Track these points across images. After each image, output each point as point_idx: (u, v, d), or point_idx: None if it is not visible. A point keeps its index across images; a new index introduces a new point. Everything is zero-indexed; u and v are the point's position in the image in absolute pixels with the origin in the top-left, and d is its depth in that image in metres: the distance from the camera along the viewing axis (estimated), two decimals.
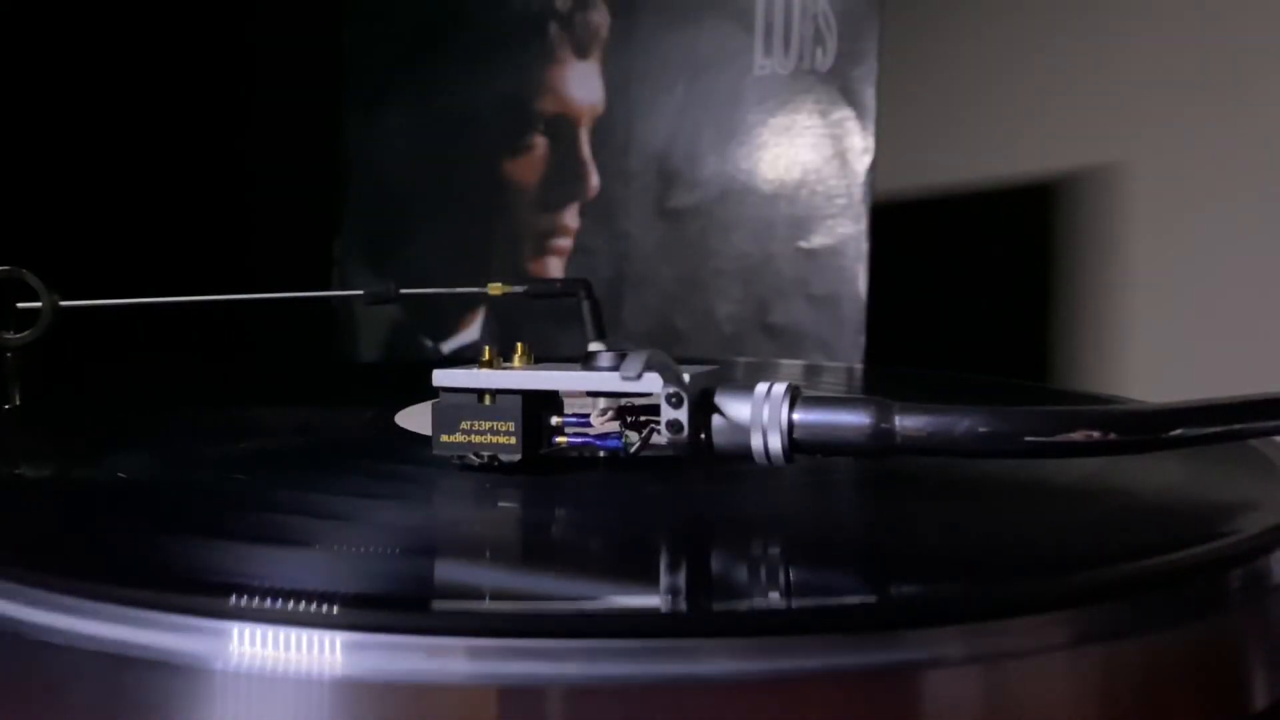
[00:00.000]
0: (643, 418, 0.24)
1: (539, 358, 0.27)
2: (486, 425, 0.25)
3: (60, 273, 0.37)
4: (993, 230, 0.78)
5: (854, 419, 0.22)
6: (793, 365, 0.57)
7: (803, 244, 0.61)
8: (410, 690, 0.16)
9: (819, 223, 0.61)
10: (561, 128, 0.67)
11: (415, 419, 0.34)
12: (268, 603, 0.17)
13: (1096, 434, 0.20)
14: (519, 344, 0.27)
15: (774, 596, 0.18)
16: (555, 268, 0.67)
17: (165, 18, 0.76)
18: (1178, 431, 0.20)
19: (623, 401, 0.25)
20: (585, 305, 0.46)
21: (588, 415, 0.25)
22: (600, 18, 0.66)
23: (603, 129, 0.66)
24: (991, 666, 0.17)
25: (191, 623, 0.17)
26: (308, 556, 0.20)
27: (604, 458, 0.28)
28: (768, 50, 0.62)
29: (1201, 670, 0.19)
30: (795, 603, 0.18)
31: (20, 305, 0.35)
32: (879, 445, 0.21)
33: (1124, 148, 0.69)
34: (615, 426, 0.25)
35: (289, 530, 0.22)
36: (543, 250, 0.67)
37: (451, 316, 0.69)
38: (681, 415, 0.23)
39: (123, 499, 0.25)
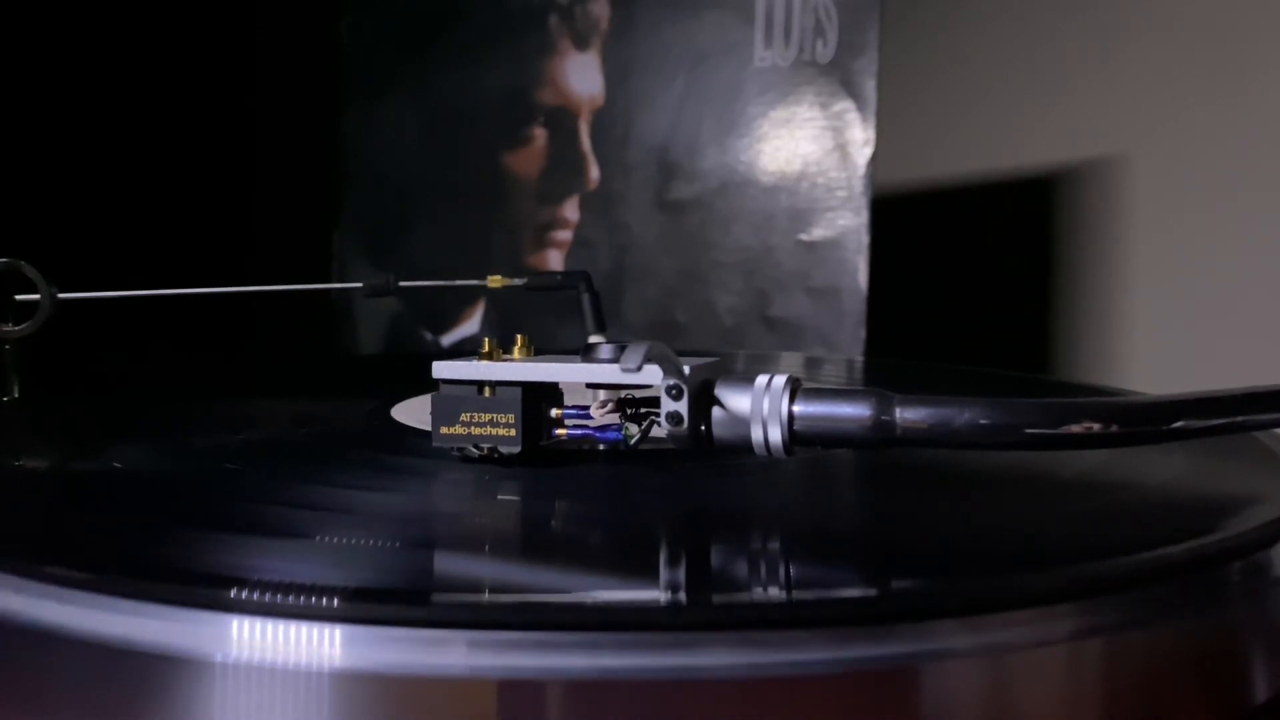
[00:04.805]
0: (643, 410, 0.24)
1: (539, 350, 0.27)
2: (486, 417, 0.25)
3: (59, 265, 0.36)
4: (993, 223, 0.78)
5: (854, 411, 0.21)
6: (793, 357, 0.57)
7: (803, 236, 0.61)
8: (410, 683, 0.16)
9: (819, 215, 0.61)
10: (561, 120, 0.66)
11: (413, 412, 0.34)
12: (267, 595, 0.17)
13: (1097, 426, 0.20)
14: (519, 336, 0.27)
15: (774, 590, 0.18)
16: (555, 260, 0.67)
17: (164, 10, 0.76)
18: (1179, 423, 0.20)
19: (623, 394, 0.25)
20: (585, 298, 0.46)
21: (588, 407, 0.25)
22: (600, 9, 0.65)
23: (602, 121, 0.66)
24: (992, 659, 0.17)
25: (190, 615, 0.17)
26: (307, 549, 0.20)
27: (604, 450, 0.28)
28: (768, 42, 0.62)
29: (1203, 663, 0.19)
30: (796, 595, 0.18)
31: (19, 297, 0.35)
32: (879, 437, 0.21)
33: (1124, 141, 0.69)
34: (615, 419, 0.25)
35: (288, 523, 0.22)
36: (542, 242, 0.67)
37: (451, 309, 0.69)
38: (681, 407, 0.23)
39: (121, 491, 0.25)
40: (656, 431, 0.24)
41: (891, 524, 0.23)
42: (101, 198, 0.72)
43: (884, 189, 0.62)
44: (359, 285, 0.46)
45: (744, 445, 0.23)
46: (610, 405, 0.25)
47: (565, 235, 0.66)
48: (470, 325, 0.69)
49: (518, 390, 0.25)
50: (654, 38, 0.64)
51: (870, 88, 0.60)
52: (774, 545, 0.21)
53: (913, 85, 0.79)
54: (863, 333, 0.59)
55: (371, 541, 0.20)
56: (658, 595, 0.18)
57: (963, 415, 0.21)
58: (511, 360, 0.26)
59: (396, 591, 0.18)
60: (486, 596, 0.18)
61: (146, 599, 0.17)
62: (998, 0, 0.77)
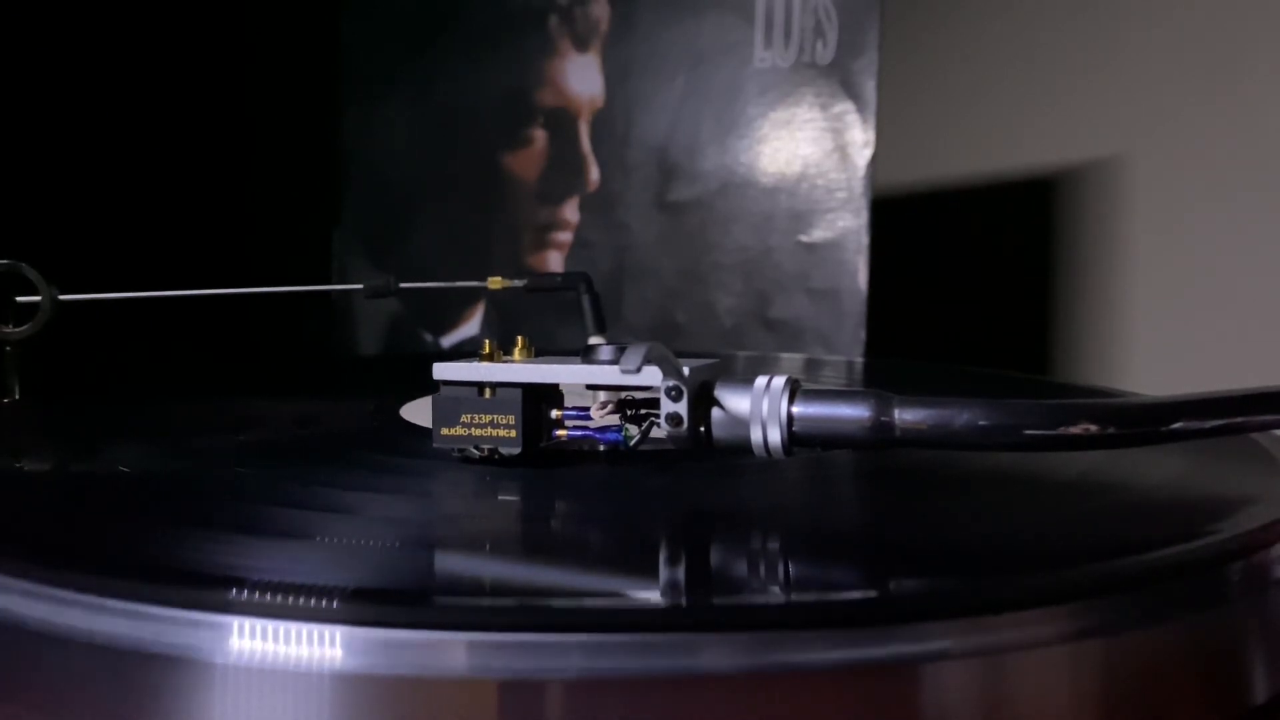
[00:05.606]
0: (642, 411, 0.24)
1: (539, 351, 0.27)
2: (487, 418, 0.25)
3: (59, 266, 0.37)
4: (993, 223, 0.78)
5: (853, 412, 0.22)
6: (793, 359, 0.57)
7: (803, 237, 0.61)
8: (410, 684, 0.16)
9: (819, 216, 0.61)
10: (561, 121, 0.66)
11: (417, 412, 0.34)
12: (268, 596, 0.17)
13: (1096, 427, 0.20)
14: (519, 337, 0.27)
15: (773, 591, 0.18)
16: (555, 261, 0.67)
17: (163, 10, 0.76)
18: (1178, 425, 0.20)
19: (622, 395, 0.25)
20: (585, 299, 0.46)
21: (588, 408, 0.25)
22: (600, 10, 0.65)
23: (602, 122, 0.66)
24: (991, 661, 0.17)
25: (191, 617, 0.17)
26: (308, 550, 0.20)
27: (604, 451, 0.28)
28: (768, 43, 0.62)
29: (1202, 664, 0.19)
30: (794, 597, 0.18)
31: (20, 299, 0.35)
32: (878, 438, 0.21)
33: (1124, 141, 0.69)
34: (615, 420, 0.25)
35: (289, 524, 0.22)
36: (542, 244, 0.67)
37: (451, 310, 0.69)
38: (681, 408, 0.23)
39: (122, 493, 0.25)
40: (656, 433, 0.24)
41: (891, 524, 0.23)
42: (101, 199, 0.72)
43: (884, 189, 0.62)
44: (359, 286, 0.46)
45: (743, 446, 0.23)
46: (610, 406, 0.25)
47: (565, 236, 0.66)
48: (470, 326, 0.69)
49: (518, 391, 0.25)
50: (654, 38, 0.64)
51: (870, 88, 0.60)
52: (774, 546, 0.21)
53: (913, 85, 0.79)
54: (863, 334, 0.59)
55: (372, 542, 0.20)
56: (657, 596, 0.18)
57: (962, 416, 0.21)
58: (511, 361, 0.26)
59: (397, 593, 0.18)
60: (486, 598, 0.18)
61: (146, 599, 0.17)
62: (998, 0, 0.77)
